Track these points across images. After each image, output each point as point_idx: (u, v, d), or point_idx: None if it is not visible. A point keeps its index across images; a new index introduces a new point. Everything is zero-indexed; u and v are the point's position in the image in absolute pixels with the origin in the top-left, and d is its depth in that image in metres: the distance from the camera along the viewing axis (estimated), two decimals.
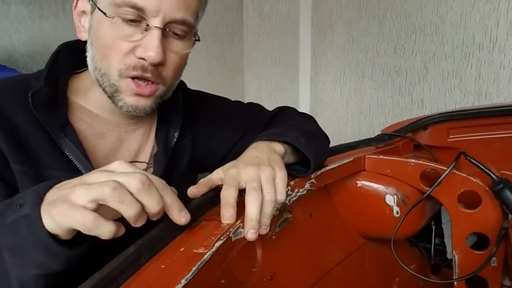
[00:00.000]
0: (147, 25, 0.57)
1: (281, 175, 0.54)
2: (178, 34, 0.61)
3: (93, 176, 0.42)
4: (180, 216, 0.45)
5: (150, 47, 0.57)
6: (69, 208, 0.39)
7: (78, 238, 0.43)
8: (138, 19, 0.57)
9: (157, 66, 0.59)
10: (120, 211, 0.41)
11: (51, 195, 0.42)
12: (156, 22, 0.57)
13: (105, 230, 0.40)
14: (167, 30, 0.59)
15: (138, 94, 0.60)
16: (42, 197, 0.42)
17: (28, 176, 0.58)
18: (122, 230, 0.42)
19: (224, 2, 2.74)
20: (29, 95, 0.58)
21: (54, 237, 0.41)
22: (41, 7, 1.93)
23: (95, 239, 0.42)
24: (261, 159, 0.57)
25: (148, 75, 0.59)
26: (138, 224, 0.42)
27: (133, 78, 0.60)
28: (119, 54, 0.58)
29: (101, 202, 0.40)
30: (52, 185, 0.43)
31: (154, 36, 0.57)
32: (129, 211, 0.41)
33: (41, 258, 0.42)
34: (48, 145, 0.59)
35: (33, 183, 0.58)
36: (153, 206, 0.42)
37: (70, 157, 0.60)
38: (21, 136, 0.58)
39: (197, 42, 0.66)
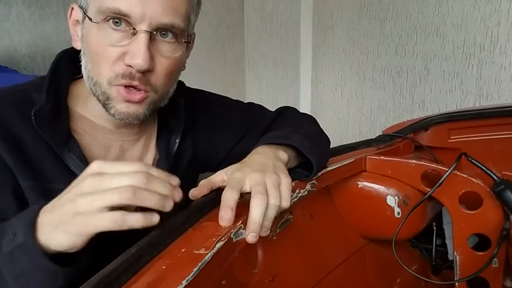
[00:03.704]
0: (134, 29, 0.56)
1: (286, 182, 0.55)
2: (167, 39, 0.60)
3: (89, 184, 0.44)
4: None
5: (137, 54, 0.56)
6: (89, 216, 0.43)
7: (75, 255, 0.46)
8: (125, 25, 0.56)
9: (145, 73, 0.58)
10: (145, 205, 0.44)
11: (47, 217, 0.45)
12: (142, 27, 0.56)
13: (135, 219, 0.44)
14: (155, 33, 0.58)
15: (128, 101, 0.60)
16: (33, 222, 0.44)
17: (36, 191, 0.58)
18: (156, 218, 0.45)
19: (225, 3, 2.74)
20: (32, 113, 0.57)
21: (53, 257, 0.44)
22: (43, 8, 1.93)
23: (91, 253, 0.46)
24: (267, 166, 0.57)
25: (136, 82, 0.58)
26: (168, 208, 0.46)
27: (122, 86, 0.59)
28: (108, 61, 0.58)
29: (122, 205, 0.43)
30: (38, 208, 0.46)
31: (141, 42, 0.56)
32: (150, 202, 0.44)
33: (43, 279, 0.45)
34: (52, 159, 0.59)
35: (43, 199, 0.58)
36: (164, 189, 0.46)
37: (75, 170, 0.60)
38: (25, 150, 0.58)
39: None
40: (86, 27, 0.60)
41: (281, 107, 0.88)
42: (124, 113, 0.60)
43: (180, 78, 0.78)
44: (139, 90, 0.59)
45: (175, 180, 0.49)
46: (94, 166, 0.46)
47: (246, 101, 0.88)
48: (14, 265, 0.44)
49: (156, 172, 0.47)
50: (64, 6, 1.89)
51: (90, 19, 0.57)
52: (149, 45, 0.57)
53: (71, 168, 0.60)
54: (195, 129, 0.77)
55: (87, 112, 0.66)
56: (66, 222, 0.43)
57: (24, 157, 0.58)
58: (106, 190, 0.43)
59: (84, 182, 0.45)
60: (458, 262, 0.81)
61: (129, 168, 0.46)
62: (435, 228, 0.99)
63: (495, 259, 0.77)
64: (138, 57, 0.56)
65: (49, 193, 0.59)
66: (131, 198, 0.43)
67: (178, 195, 0.48)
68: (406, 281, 0.94)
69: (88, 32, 0.59)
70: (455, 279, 0.81)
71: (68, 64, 0.66)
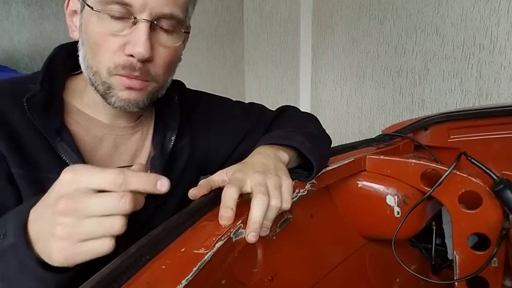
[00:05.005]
0: (135, 18, 0.57)
1: (287, 184, 0.55)
2: (167, 29, 0.60)
3: (66, 210, 0.39)
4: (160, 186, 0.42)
5: (138, 43, 0.57)
6: (76, 245, 0.40)
7: None
8: (126, 15, 0.57)
9: (145, 63, 0.59)
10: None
11: (38, 226, 0.42)
12: (143, 16, 0.57)
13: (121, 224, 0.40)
14: (155, 22, 0.58)
15: (130, 88, 0.60)
16: (24, 221, 0.42)
17: (28, 180, 0.58)
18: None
19: (225, 2, 2.74)
20: (25, 100, 0.58)
21: (43, 263, 0.42)
22: (42, 8, 1.93)
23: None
24: (268, 167, 0.57)
25: (136, 73, 0.59)
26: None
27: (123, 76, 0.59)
28: (109, 51, 0.58)
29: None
30: (30, 207, 0.43)
31: (141, 31, 0.57)
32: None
33: (32, 285, 0.43)
34: (45, 149, 0.59)
35: (33, 187, 0.58)
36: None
37: (67, 160, 0.60)
38: (19, 139, 0.58)
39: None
40: (85, 16, 0.60)
41: (282, 106, 0.88)
42: (125, 100, 0.61)
43: (180, 78, 0.78)
44: (140, 79, 0.60)
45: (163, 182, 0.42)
46: (67, 177, 0.41)
47: (246, 101, 0.88)
48: (4, 266, 0.42)
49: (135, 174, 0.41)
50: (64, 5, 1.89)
51: (91, 7, 0.57)
52: (149, 34, 0.57)
53: (63, 157, 0.60)
54: (193, 128, 0.76)
55: (83, 106, 0.66)
56: (52, 250, 0.40)
57: (17, 145, 0.58)
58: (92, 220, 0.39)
59: (60, 203, 0.40)
60: (457, 262, 0.81)
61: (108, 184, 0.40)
62: (434, 227, 0.99)
63: (494, 259, 0.77)
64: (139, 46, 0.57)
65: (40, 182, 0.58)
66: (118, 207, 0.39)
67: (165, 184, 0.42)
68: (406, 281, 0.95)
69: (87, 21, 0.59)
70: (455, 278, 0.81)
71: (65, 59, 0.67)
